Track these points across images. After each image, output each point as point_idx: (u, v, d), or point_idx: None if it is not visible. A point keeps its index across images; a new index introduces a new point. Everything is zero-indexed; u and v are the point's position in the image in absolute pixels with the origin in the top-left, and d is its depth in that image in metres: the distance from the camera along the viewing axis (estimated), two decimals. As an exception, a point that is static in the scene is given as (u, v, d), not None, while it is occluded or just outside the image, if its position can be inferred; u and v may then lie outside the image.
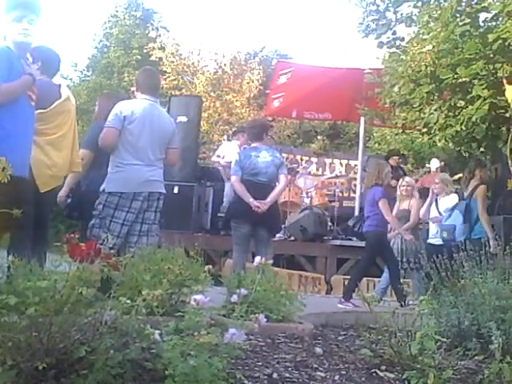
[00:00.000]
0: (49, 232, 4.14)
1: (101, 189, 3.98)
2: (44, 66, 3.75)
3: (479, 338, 2.89)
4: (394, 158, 9.22)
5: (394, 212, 6.50)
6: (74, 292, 1.80)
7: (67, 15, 40.18)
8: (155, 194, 4.04)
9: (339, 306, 5.45)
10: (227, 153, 8.13)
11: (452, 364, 2.48)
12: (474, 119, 5.62)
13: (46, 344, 1.75)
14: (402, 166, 9.76)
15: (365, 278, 7.45)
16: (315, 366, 2.43)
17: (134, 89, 4.35)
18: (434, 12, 5.91)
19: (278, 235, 7.92)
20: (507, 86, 4.64)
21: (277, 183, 5.03)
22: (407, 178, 7.34)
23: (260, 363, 2.34)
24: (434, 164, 9.46)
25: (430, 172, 9.69)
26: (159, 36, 18.39)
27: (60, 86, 4.02)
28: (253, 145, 5.07)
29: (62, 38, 36.47)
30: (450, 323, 3.12)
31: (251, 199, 4.78)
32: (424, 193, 8.94)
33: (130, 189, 3.92)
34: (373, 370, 2.43)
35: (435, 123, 6.19)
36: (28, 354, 1.72)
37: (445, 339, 2.52)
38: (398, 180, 8.94)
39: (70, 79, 19.36)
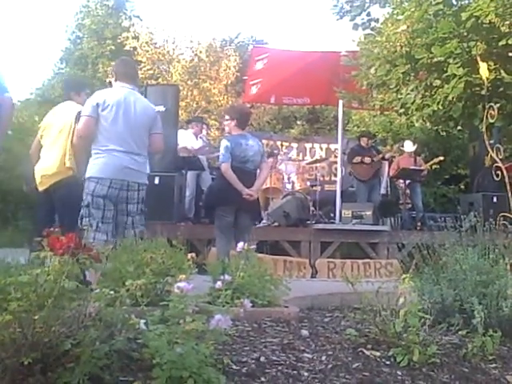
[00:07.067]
0: None
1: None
2: None
3: (462, 314, 2.93)
4: (363, 138, 9.39)
5: None
6: (57, 285, 1.78)
7: (37, 8, 39.39)
8: (134, 185, 3.98)
9: None
10: (182, 142, 8.11)
11: (436, 340, 2.52)
12: (450, 98, 5.67)
13: (31, 339, 1.73)
14: (375, 146, 9.85)
15: (349, 260, 7.54)
16: (302, 348, 2.45)
17: (112, 79, 4.31)
18: (408, -8, 5.93)
19: (262, 222, 7.96)
20: (481, 64, 4.66)
21: (258, 171, 5.06)
22: None
23: (247, 348, 2.36)
24: (408, 146, 9.55)
25: (403, 153, 9.77)
26: (132, 25, 18.14)
27: None
28: (238, 132, 4.99)
29: (33, 31, 35.80)
30: (433, 300, 3.16)
31: (244, 187, 4.79)
32: (406, 174, 9.09)
33: (106, 174, 3.87)
34: (359, 349, 2.46)
35: (412, 103, 6.23)
36: (12, 349, 1.71)
37: (428, 316, 2.55)
38: (371, 159, 9.06)
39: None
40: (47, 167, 4.42)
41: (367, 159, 9.03)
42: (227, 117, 5.13)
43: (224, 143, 4.93)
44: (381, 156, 9.23)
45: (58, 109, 4.66)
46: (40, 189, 4.44)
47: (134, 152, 3.99)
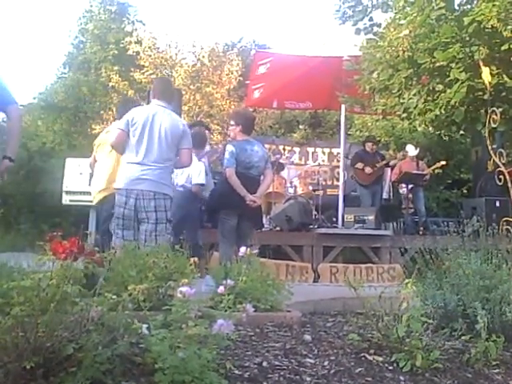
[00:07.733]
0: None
1: None
2: None
3: (465, 319, 2.92)
4: (368, 144, 9.36)
5: None
6: (59, 290, 1.78)
7: (40, 12, 39.52)
8: (149, 193, 4.08)
9: None
10: None
11: (439, 345, 2.51)
12: (452, 102, 5.67)
13: (33, 343, 1.73)
14: (379, 151, 9.84)
15: (351, 265, 7.53)
16: (304, 352, 2.44)
17: (151, 96, 4.58)
18: (410, -3, 5.94)
19: (264, 227, 7.94)
20: (484, 68, 4.67)
21: (262, 177, 5.07)
22: None
23: (249, 352, 2.35)
24: (411, 150, 9.54)
25: (405, 158, 9.75)
26: (135, 30, 18.15)
27: None
28: (243, 138, 4.99)
29: (36, 36, 35.97)
30: (435, 305, 3.15)
31: (247, 193, 4.80)
32: (408, 178, 9.08)
33: (124, 185, 4.12)
34: (361, 354, 2.46)
35: (415, 108, 6.24)
36: (15, 354, 1.71)
37: (431, 321, 2.54)
38: (375, 165, 9.05)
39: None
40: (97, 184, 4.82)
41: (368, 169, 9.02)
42: (232, 122, 5.14)
43: (229, 148, 4.93)
44: (384, 163, 9.22)
45: (111, 127, 4.92)
46: (95, 203, 4.91)
47: (152, 163, 4.12)
